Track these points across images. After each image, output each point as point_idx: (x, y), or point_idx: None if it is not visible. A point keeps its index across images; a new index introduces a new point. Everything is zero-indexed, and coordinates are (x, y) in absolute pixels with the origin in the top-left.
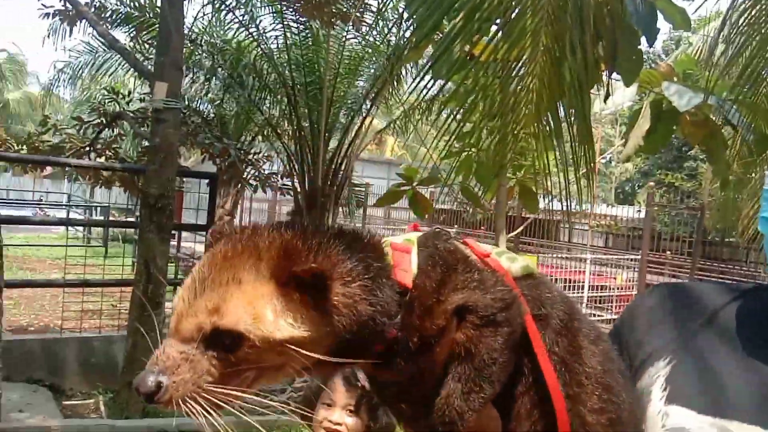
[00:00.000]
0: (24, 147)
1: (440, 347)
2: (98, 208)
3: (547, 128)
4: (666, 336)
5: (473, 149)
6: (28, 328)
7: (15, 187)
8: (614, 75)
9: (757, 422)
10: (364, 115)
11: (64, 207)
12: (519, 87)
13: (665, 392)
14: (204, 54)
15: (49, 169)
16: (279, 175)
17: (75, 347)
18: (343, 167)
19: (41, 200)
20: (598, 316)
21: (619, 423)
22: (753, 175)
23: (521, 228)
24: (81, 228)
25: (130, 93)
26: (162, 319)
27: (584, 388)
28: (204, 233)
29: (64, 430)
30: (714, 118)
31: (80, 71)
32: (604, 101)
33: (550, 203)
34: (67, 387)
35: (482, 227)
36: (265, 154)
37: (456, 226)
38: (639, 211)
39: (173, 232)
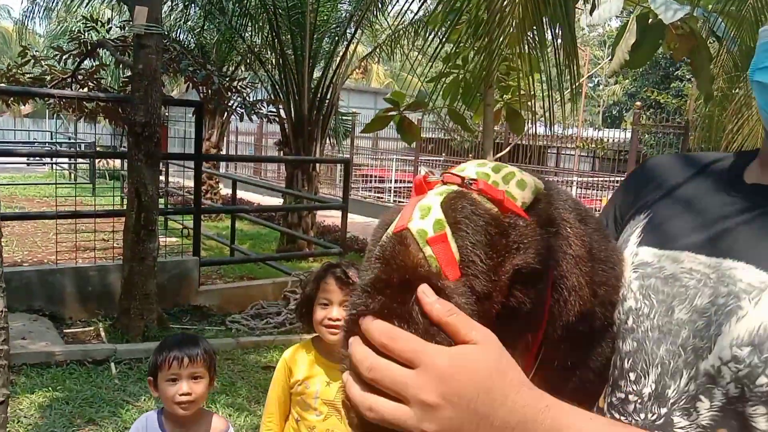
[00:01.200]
0: (3, 80)
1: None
2: (83, 146)
3: (534, 47)
4: (654, 193)
5: (459, 71)
6: (22, 263)
7: None
8: None
9: (727, 254)
10: (348, 40)
11: (48, 145)
12: (504, 2)
13: (639, 238)
14: None
15: (29, 108)
16: (265, 103)
17: (72, 277)
18: (329, 95)
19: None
20: None
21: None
22: (737, 91)
23: (506, 150)
24: (67, 166)
25: (109, 21)
26: (156, 247)
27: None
28: (191, 162)
29: (66, 355)
30: (700, 32)
31: (54, 2)
32: (590, 13)
33: (536, 126)
34: (67, 316)
35: (470, 154)
36: (250, 83)
37: (444, 154)
38: (625, 130)
39: (161, 162)
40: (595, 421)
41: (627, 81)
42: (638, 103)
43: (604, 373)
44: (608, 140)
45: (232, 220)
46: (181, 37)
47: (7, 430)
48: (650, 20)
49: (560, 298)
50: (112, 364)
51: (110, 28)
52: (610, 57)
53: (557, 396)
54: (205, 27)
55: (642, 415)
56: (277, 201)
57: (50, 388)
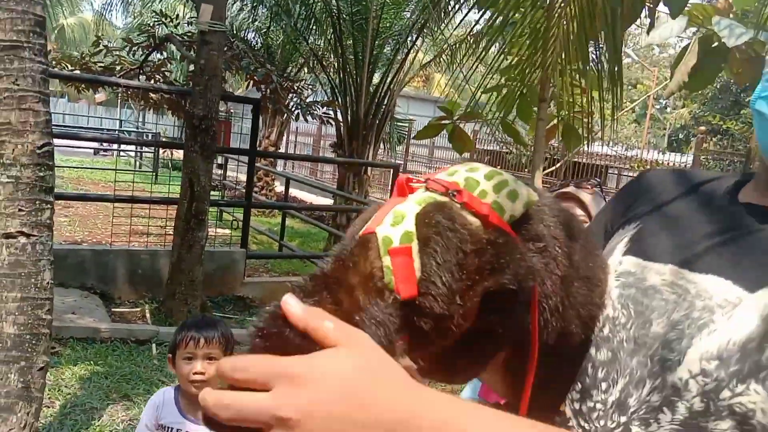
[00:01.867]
0: (77, 68)
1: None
2: (149, 136)
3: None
4: (646, 205)
5: (516, 83)
6: (81, 243)
7: (70, 113)
8: (662, 7)
9: (709, 270)
10: (409, 47)
11: (116, 132)
12: (562, 20)
13: (626, 247)
14: None
15: (102, 96)
16: (320, 104)
17: (124, 259)
18: (386, 101)
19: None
20: None
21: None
22: None
23: (557, 166)
24: (133, 155)
25: (178, 17)
26: (204, 236)
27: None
28: (246, 157)
29: (112, 332)
30: (765, 56)
31: None
32: (647, 33)
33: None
34: (116, 295)
35: (526, 169)
36: (309, 84)
37: (499, 167)
38: (687, 155)
39: (219, 156)
40: (481, 413)
41: (695, 105)
42: (702, 128)
43: (569, 384)
44: (670, 164)
45: (283, 216)
46: (249, 37)
47: (47, 397)
48: (714, 44)
49: (541, 318)
50: (153, 345)
51: (178, 23)
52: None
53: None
54: (272, 28)
55: (602, 422)
56: (329, 202)
57: (92, 362)
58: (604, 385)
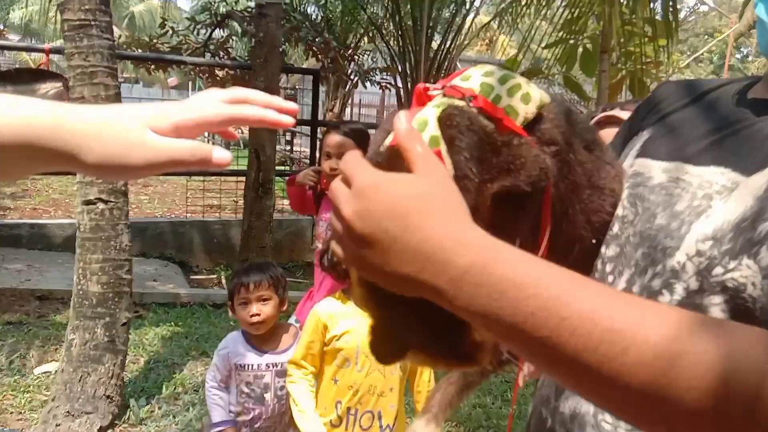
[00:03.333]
0: (146, 50)
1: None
2: None
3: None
4: (660, 113)
5: (578, 37)
6: (161, 217)
7: (145, 97)
8: None
9: (719, 163)
10: (468, 8)
11: None
12: None
13: (638, 151)
14: None
15: (175, 80)
16: (379, 70)
17: (199, 230)
18: (446, 65)
19: None
20: None
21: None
22: None
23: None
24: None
25: None
26: (272, 204)
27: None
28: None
29: (190, 297)
30: None
31: None
32: None
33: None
34: (194, 264)
35: None
36: (368, 52)
37: None
38: None
39: (286, 132)
40: (521, 255)
41: None
42: None
43: None
44: None
45: None
46: (309, 10)
47: (132, 354)
48: None
49: (552, 219)
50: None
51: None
52: (740, 14)
53: None
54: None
55: None
56: None
57: (173, 324)
58: (611, 278)
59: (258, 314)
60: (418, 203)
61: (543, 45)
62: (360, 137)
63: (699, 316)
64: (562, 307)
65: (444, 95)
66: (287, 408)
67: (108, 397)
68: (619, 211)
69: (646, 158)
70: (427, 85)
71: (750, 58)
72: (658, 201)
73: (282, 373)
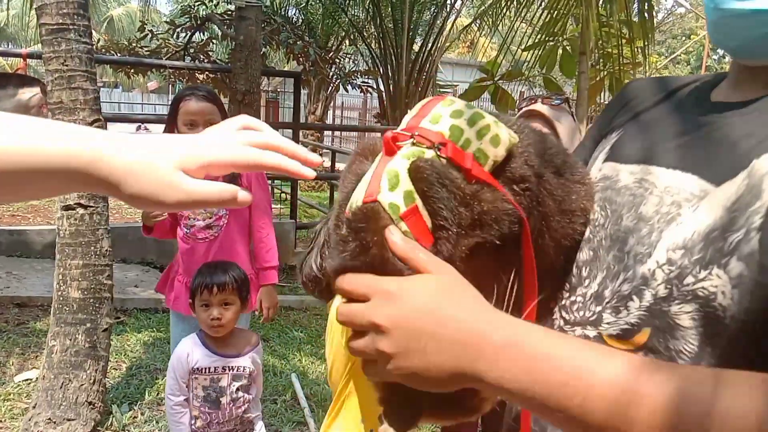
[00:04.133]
0: (125, 54)
1: None
2: None
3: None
4: (628, 114)
5: (557, 38)
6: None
7: (125, 101)
8: None
9: (687, 169)
10: (448, 11)
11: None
12: None
13: (606, 155)
14: None
15: (155, 84)
16: (360, 73)
17: None
18: (427, 68)
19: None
20: None
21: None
22: None
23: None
24: None
25: None
26: None
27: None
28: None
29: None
30: None
31: None
32: None
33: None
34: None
35: None
36: (349, 55)
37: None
38: None
39: None
40: (547, 333)
41: None
42: None
43: (557, 292)
44: None
45: (331, 189)
46: (290, 13)
47: (114, 360)
48: None
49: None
50: None
51: (218, 2)
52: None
53: None
54: (311, 2)
55: (581, 313)
56: None
57: (155, 329)
58: (586, 282)
59: (219, 318)
60: (444, 297)
61: (523, 47)
62: (219, 100)
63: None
64: (588, 377)
65: (413, 143)
66: (247, 408)
67: (90, 403)
68: (591, 216)
69: (615, 162)
70: (396, 132)
71: (726, 59)
72: (624, 202)
73: (238, 377)
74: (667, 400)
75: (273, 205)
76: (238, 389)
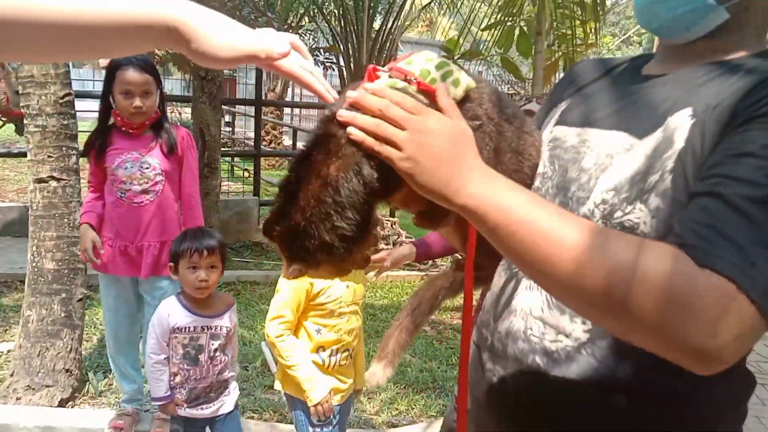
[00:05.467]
0: None
1: None
2: None
3: None
4: (575, 87)
5: (514, 18)
6: None
7: (76, 78)
8: None
9: (619, 128)
10: None
11: None
12: None
13: (557, 120)
14: None
15: (106, 60)
16: (322, 50)
17: None
18: (387, 46)
19: None
20: None
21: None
22: None
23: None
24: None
25: None
26: (218, 183)
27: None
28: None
29: None
30: None
31: None
32: None
33: None
34: None
35: None
36: (310, 32)
37: None
38: None
39: (226, 114)
40: (518, 187)
41: None
42: None
43: None
44: None
45: None
46: None
47: (85, 332)
48: None
49: None
50: None
51: None
52: None
53: None
54: None
55: None
56: None
57: None
58: None
59: (206, 280)
60: (465, 138)
61: (482, 27)
62: (156, 71)
63: (607, 229)
64: (530, 222)
65: (390, 76)
66: (223, 368)
67: (67, 370)
68: (541, 169)
69: (563, 125)
70: (377, 66)
71: None
72: (569, 158)
73: (216, 336)
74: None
75: (237, 183)
76: (216, 349)
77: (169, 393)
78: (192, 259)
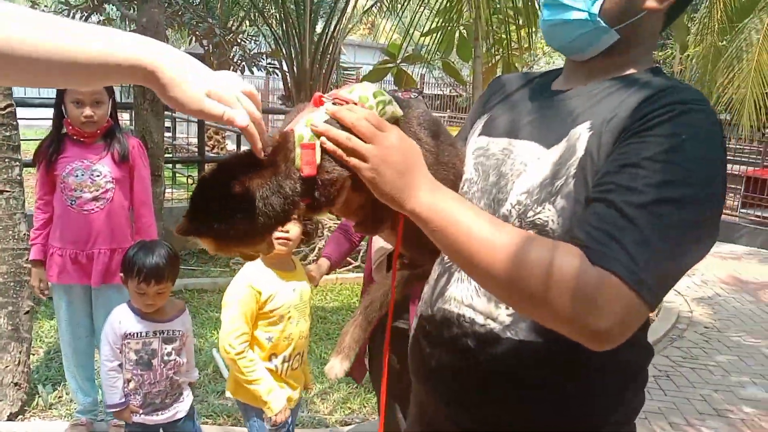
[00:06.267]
0: None
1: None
2: None
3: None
4: (496, 100)
5: (453, 23)
6: None
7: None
8: None
9: (531, 138)
10: None
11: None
12: None
13: (480, 131)
14: None
15: None
16: (265, 55)
17: None
18: (330, 50)
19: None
20: None
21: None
22: (726, 44)
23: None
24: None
25: None
26: (162, 191)
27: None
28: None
29: None
30: None
31: None
32: None
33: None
34: None
35: None
36: (252, 36)
37: (448, 111)
38: None
39: (166, 119)
40: (461, 200)
41: None
42: None
43: None
44: None
45: None
46: None
47: (32, 344)
48: None
49: None
50: None
51: None
52: None
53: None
54: None
55: None
56: None
57: None
58: None
59: (153, 304)
60: (406, 145)
61: (423, 32)
62: None
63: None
64: (468, 227)
65: (333, 103)
66: (177, 371)
67: (16, 384)
68: (467, 175)
69: (486, 136)
70: (321, 94)
71: None
72: (491, 164)
73: (168, 340)
74: (518, 239)
75: (180, 190)
76: (170, 352)
77: (123, 399)
78: (139, 286)
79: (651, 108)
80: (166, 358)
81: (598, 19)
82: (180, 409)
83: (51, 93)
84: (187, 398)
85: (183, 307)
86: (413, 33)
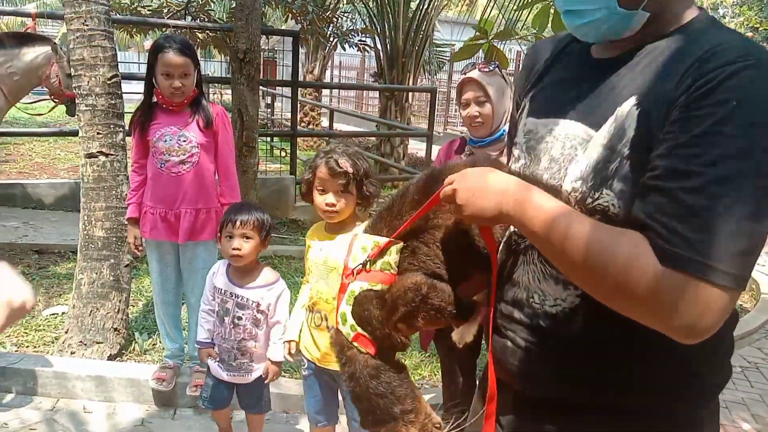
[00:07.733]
0: (127, 13)
1: None
2: None
3: None
4: (535, 76)
5: None
6: None
7: (122, 61)
8: None
9: (577, 119)
10: None
11: None
12: None
13: (527, 112)
14: None
15: (150, 43)
16: (358, 32)
17: None
18: (423, 27)
19: None
20: None
21: None
22: None
23: None
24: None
25: None
26: (256, 162)
27: None
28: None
29: None
30: None
31: None
32: None
33: None
34: None
35: None
36: (346, 14)
37: None
38: None
39: (267, 96)
40: (551, 199)
41: (752, 12)
42: (750, 34)
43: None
44: None
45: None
46: None
47: (132, 298)
48: None
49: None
50: None
51: None
52: None
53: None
54: None
55: (516, 235)
56: None
57: None
58: None
59: (238, 249)
60: (484, 173)
61: (517, 6)
62: (195, 53)
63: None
64: (568, 226)
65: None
66: (246, 337)
67: (115, 329)
68: (522, 161)
69: (534, 118)
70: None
71: (726, 18)
72: (540, 148)
73: (241, 306)
74: (589, 228)
75: (276, 164)
76: (241, 317)
77: (208, 340)
78: (227, 229)
79: (695, 77)
80: (236, 321)
81: (620, 9)
82: (246, 377)
83: None
84: (257, 371)
85: (273, 282)
86: (508, 6)
